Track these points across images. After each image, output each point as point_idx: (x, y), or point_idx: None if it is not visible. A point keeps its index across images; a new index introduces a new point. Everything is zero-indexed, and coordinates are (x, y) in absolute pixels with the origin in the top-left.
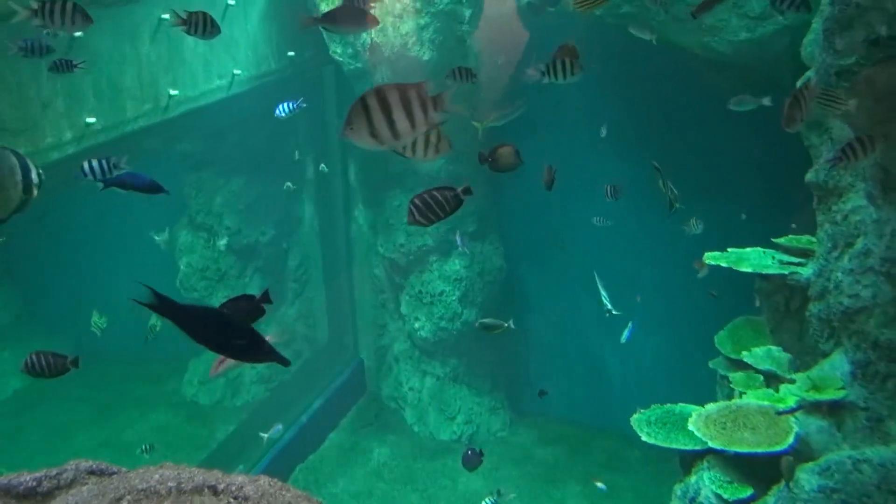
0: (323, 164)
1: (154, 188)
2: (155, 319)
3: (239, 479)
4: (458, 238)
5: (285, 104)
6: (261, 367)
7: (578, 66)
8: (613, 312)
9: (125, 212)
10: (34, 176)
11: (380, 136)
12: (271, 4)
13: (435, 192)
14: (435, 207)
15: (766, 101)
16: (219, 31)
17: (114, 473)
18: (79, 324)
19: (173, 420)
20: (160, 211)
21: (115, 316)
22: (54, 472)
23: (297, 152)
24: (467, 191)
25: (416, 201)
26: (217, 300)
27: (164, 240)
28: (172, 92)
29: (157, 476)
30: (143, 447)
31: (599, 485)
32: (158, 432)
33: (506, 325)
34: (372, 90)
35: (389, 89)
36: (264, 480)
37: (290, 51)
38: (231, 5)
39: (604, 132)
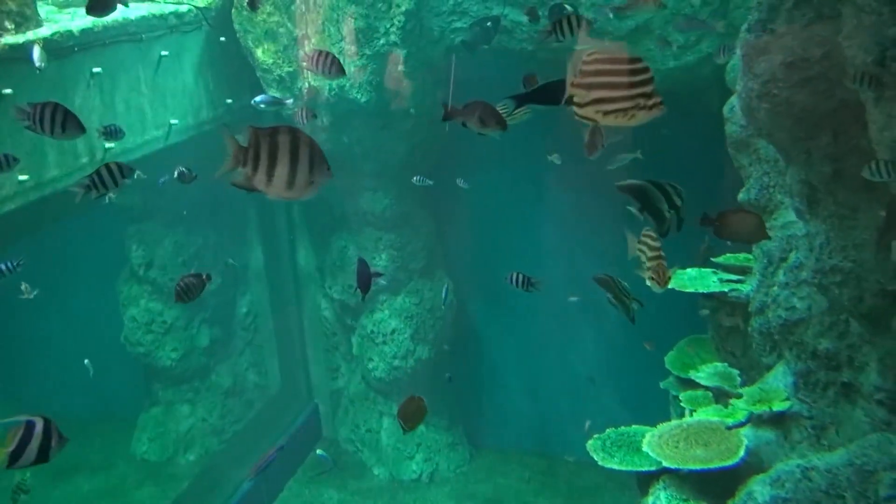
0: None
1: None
2: (27, 475)
3: None
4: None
5: (4, 262)
6: (212, 419)
7: None
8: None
9: (63, 267)
10: None
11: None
12: (206, 52)
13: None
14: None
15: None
16: (81, 129)
17: None
18: (25, 385)
19: (124, 480)
20: (99, 265)
21: (62, 375)
22: None
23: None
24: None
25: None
26: (165, 354)
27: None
28: (108, 145)
29: None
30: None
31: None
32: (107, 494)
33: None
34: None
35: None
36: None
37: (228, 98)
38: (165, 55)
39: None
